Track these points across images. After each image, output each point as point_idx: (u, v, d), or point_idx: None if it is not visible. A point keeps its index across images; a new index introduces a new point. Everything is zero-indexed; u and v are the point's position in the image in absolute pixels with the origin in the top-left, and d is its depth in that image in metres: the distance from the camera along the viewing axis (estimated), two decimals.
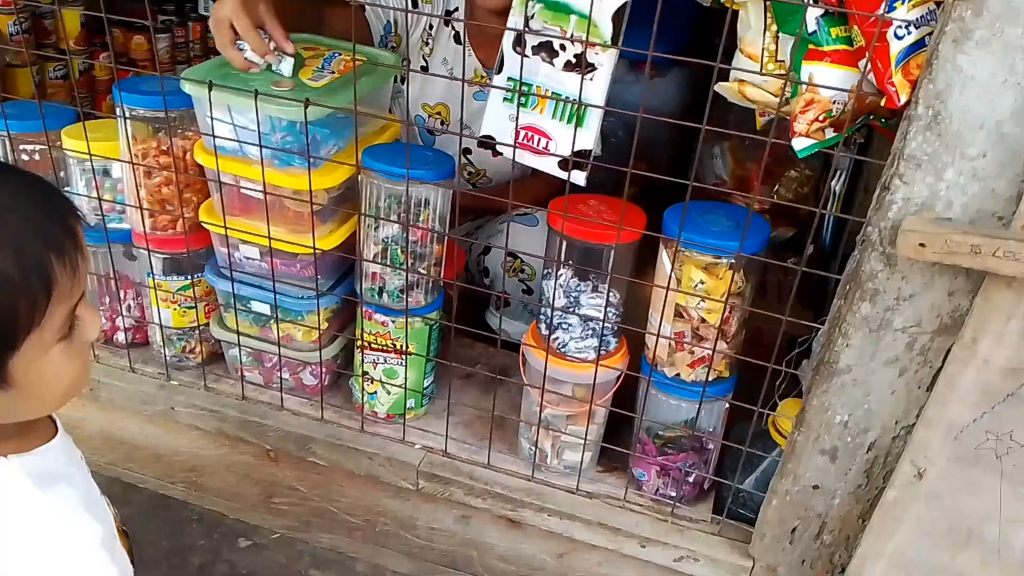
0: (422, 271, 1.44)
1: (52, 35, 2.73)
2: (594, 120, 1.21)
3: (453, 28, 1.88)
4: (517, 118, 1.23)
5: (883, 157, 1.06)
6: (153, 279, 1.58)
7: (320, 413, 1.59)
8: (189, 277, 1.58)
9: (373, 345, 1.50)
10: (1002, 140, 0.97)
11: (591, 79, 1.17)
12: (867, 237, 1.08)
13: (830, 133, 1.11)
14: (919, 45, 1.02)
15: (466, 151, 1.98)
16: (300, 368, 1.63)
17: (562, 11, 1.17)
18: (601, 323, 1.35)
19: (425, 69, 1.90)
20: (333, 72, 1.39)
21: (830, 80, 1.07)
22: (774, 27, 1.13)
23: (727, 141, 2.69)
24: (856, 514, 1.29)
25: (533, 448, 1.50)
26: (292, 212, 1.41)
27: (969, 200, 1.01)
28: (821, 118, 1.08)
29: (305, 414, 1.60)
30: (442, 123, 1.95)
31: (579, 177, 1.23)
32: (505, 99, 1.28)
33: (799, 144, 1.11)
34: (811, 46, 1.08)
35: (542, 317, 1.43)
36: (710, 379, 1.34)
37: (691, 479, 1.45)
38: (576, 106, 1.19)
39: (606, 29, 1.14)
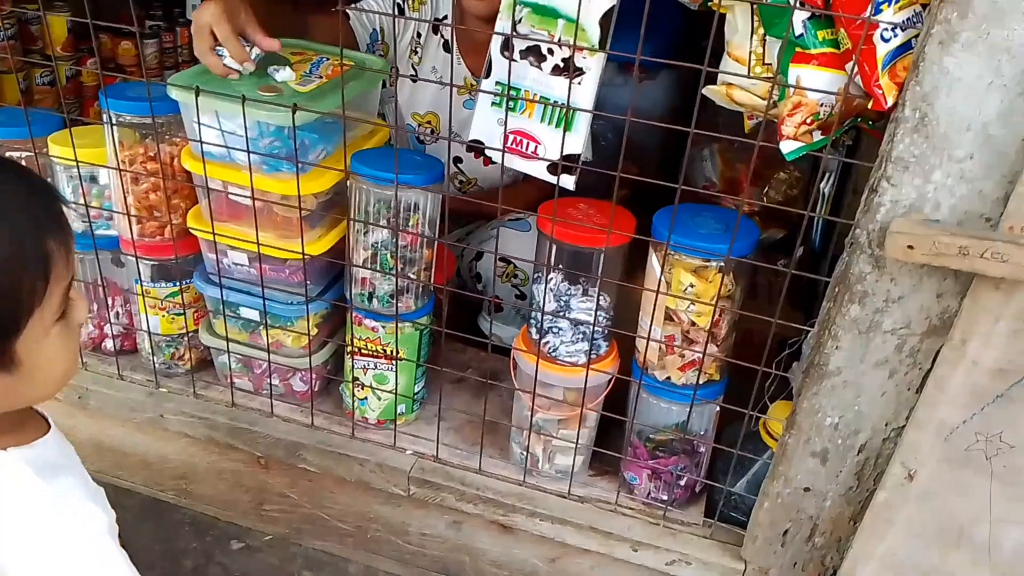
0: (412, 276, 1.44)
1: (38, 41, 2.72)
2: (582, 124, 1.21)
3: (442, 36, 1.88)
4: (506, 122, 1.23)
5: (871, 159, 1.07)
6: (141, 286, 1.57)
7: (310, 419, 1.58)
8: (177, 283, 1.57)
9: (363, 351, 1.49)
10: (989, 142, 0.97)
11: (579, 83, 1.17)
12: (856, 239, 1.09)
13: (818, 136, 1.11)
14: (906, 47, 1.03)
15: (456, 159, 1.98)
16: (290, 374, 1.62)
17: (549, 15, 1.17)
18: (591, 327, 1.35)
19: (415, 79, 1.89)
20: (321, 77, 1.39)
21: (817, 83, 1.08)
22: (761, 30, 1.13)
23: (716, 144, 2.70)
24: (847, 516, 1.30)
25: (524, 453, 1.50)
26: (281, 217, 1.41)
27: (957, 202, 1.02)
28: (809, 121, 1.09)
29: (295, 420, 1.60)
30: (432, 132, 1.94)
31: (568, 181, 1.23)
32: (493, 103, 1.27)
33: (787, 147, 1.11)
34: (798, 49, 1.09)
35: (532, 321, 1.43)
36: (701, 382, 1.34)
37: (682, 482, 1.45)
38: (564, 110, 1.19)
39: (594, 33, 1.14)
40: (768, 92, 1.11)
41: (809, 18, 1.07)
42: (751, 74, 1.15)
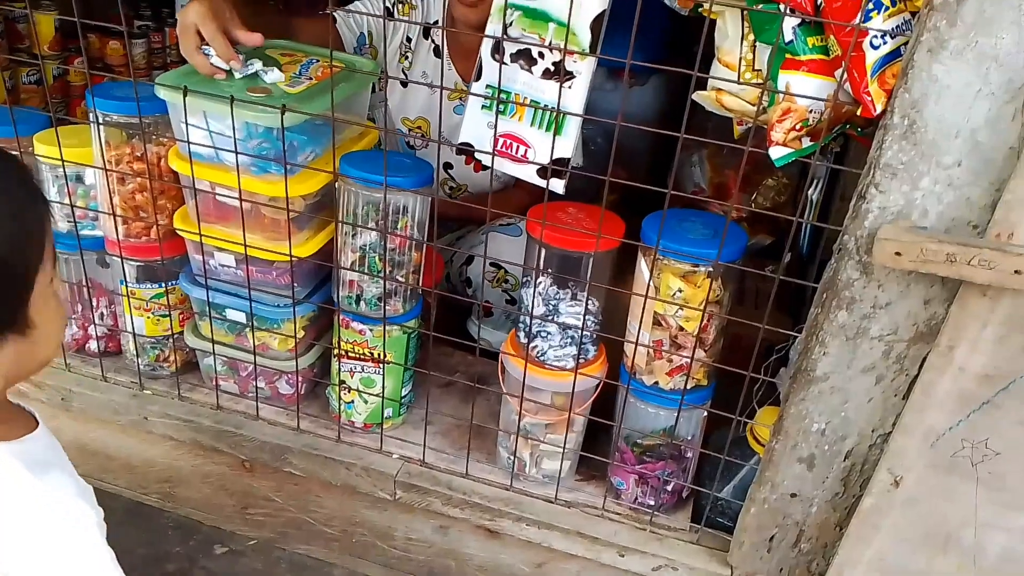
0: (400, 279, 1.43)
1: (25, 39, 2.69)
2: (573, 128, 1.20)
3: (432, 41, 1.88)
4: (496, 125, 1.23)
5: (859, 166, 1.07)
6: (126, 287, 1.56)
7: (296, 423, 1.57)
8: (163, 285, 1.56)
9: (350, 354, 1.49)
10: (977, 149, 0.98)
11: (570, 87, 1.17)
12: (844, 245, 1.09)
13: (807, 142, 1.11)
14: (895, 55, 1.03)
15: (447, 165, 1.98)
16: (276, 377, 1.61)
17: (540, 19, 1.17)
18: (580, 331, 1.35)
19: (405, 84, 1.89)
20: (310, 78, 1.38)
21: (807, 89, 1.08)
22: (751, 36, 1.14)
23: (705, 149, 2.71)
24: (834, 522, 1.30)
25: (512, 457, 1.49)
26: (268, 219, 1.40)
27: (944, 209, 1.02)
28: (798, 127, 1.09)
29: (281, 424, 1.59)
30: (422, 137, 1.94)
31: (558, 185, 1.23)
32: (484, 107, 1.27)
33: (776, 153, 1.11)
34: (788, 55, 1.09)
35: (521, 325, 1.42)
36: (688, 387, 1.34)
37: (670, 487, 1.45)
38: (555, 114, 1.19)
39: (584, 37, 1.14)
40: (758, 98, 1.12)
41: (799, 24, 1.07)
42: (741, 80, 1.15)
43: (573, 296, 1.36)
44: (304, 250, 1.41)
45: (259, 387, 1.60)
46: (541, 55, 1.19)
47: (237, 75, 1.33)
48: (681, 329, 1.31)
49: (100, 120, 1.42)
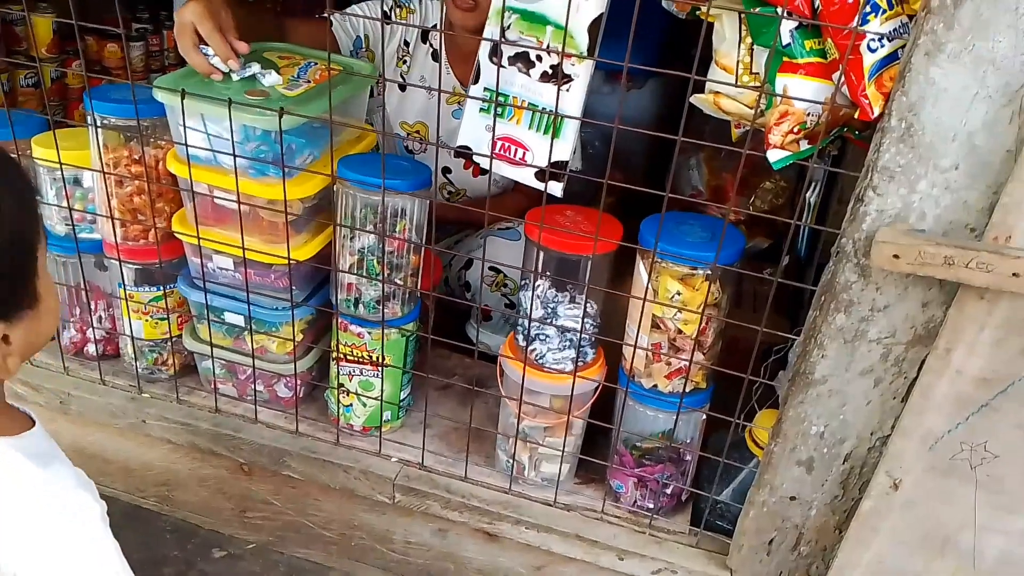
0: (398, 282, 1.43)
1: (23, 42, 2.69)
2: (571, 131, 1.21)
3: (431, 45, 1.88)
4: (494, 128, 1.23)
5: (857, 169, 1.07)
6: (124, 290, 1.56)
7: (295, 426, 1.57)
8: (161, 288, 1.56)
9: (349, 357, 1.49)
10: (974, 152, 0.98)
11: (567, 90, 1.17)
12: (841, 248, 1.09)
13: (804, 145, 1.11)
14: (892, 58, 1.03)
15: (446, 170, 1.98)
16: (274, 380, 1.61)
17: (538, 22, 1.17)
18: (578, 334, 1.35)
19: (403, 87, 1.89)
20: (308, 81, 1.38)
21: (804, 92, 1.08)
22: (749, 39, 1.14)
23: (703, 152, 2.71)
24: (833, 525, 1.30)
25: (510, 460, 1.49)
26: (266, 222, 1.40)
27: (942, 211, 1.02)
28: (796, 130, 1.09)
29: (279, 427, 1.58)
30: (421, 142, 1.94)
31: (556, 188, 1.23)
32: (482, 109, 1.27)
33: (774, 156, 1.11)
34: (785, 58, 1.09)
35: (520, 328, 1.42)
36: (687, 390, 1.34)
37: (668, 490, 1.45)
38: (553, 117, 1.19)
39: (582, 40, 1.14)
40: (755, 101, 1.12)
41: (796, 28, 1.07)
42: (738, 83, 1.15)
43: (571, 299, 1.35)
44: (302, 253, 1.41)
45: (257, 390, 1.59)
46: (539, 58, 1.19)
47: (235, 77, 1.33)
48: (680, 332, 1.31)
49: (98, 123, 1.42)
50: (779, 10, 1.05)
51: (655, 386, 1.36)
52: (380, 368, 1.48)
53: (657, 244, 1.22)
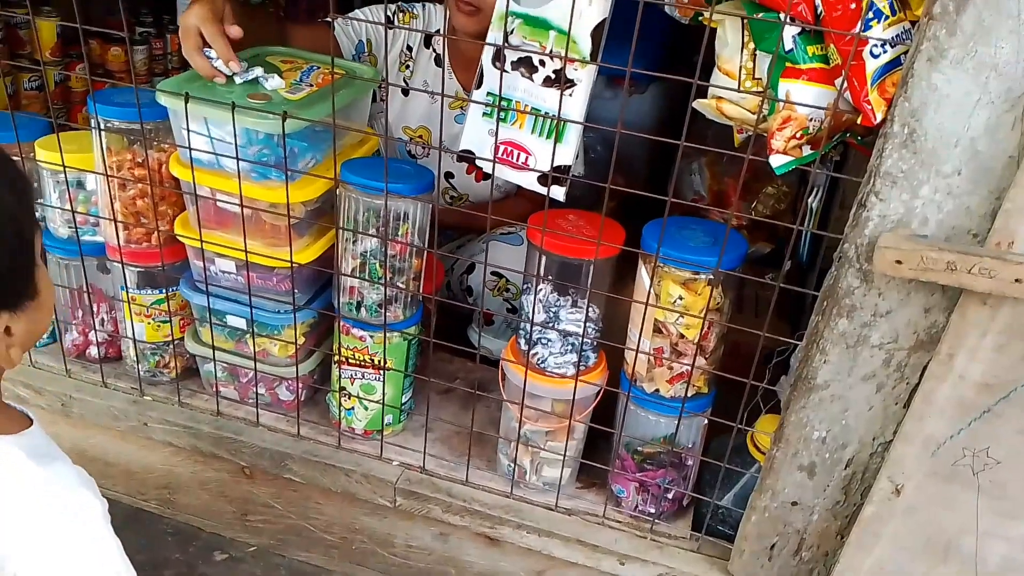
0: (400, 285, 1.43)
1: (27, 45, 2.70)
2: (573, 135, 1.21)
3: (433, 50, 1.89)
4: (497, 133, 1.23)
5: (859, 174, 1.07)
6: (127, 293, 1.56)
7: (296, 429, 1.57)
8: (164, 291, 1.56)
9: (351, 360, 1.49)
10: (976, 157, 0.98)
11: (570, 94, 1.18)
12: (844, 253, 1.09)
13: (807, 150, 1.11)
14: (895, 64, 1.03)
15: (448, 175, 1.98)
16: (276, 383, 1.61)
17: (541, 27, 1.18)
18: (580, 338, 1.35)
19: (406, 92, 1.89)
20: (311, 85, 1.38)
21: (807, 98, 1.08)
22: (751, 45, 1.14)
23: (705, 157, 2.71)
24: (834, 530, 1.29)
25: (512, 464, 1.49)
26: (269, 225, 1.40)
27: (944, 217, 1.02)
28: (798, 135, 1.09)
29: (281, 430, 1.58)
30: (423, 146, 1.94)
31: (558, 192, 1.23)
32: (485, 114, 1.27)
33: (776, 161, 1.11)
34: (788, 64, 1.09)
35: (521, 332, 1.42)
36: (689, 394, 1.34)
37: (670, 495, 1.45)
38: (555, 121, 1.19)
39: (585, 45, 1.14)
40: (758, 106, 1.12)
41: (799, 33, 1.07)
42: (741, 88, 1.15)
43: (574, 303, 1.36)
44: (304, 256, 1.41)
45: (259, 393, 1.59)
46: (542, 63, 1.19)
47: (238, 80, 1.34)
48: (682, 336, 1.31)
49: (101, 126, 1.42)
50: (782, 16, 1.05)
51: (657, 390, 1.36)
52: (382, 372, 1.48)
53: (659, 249, 1.22)
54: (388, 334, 1.44)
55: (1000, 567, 1.18)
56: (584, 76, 1.17)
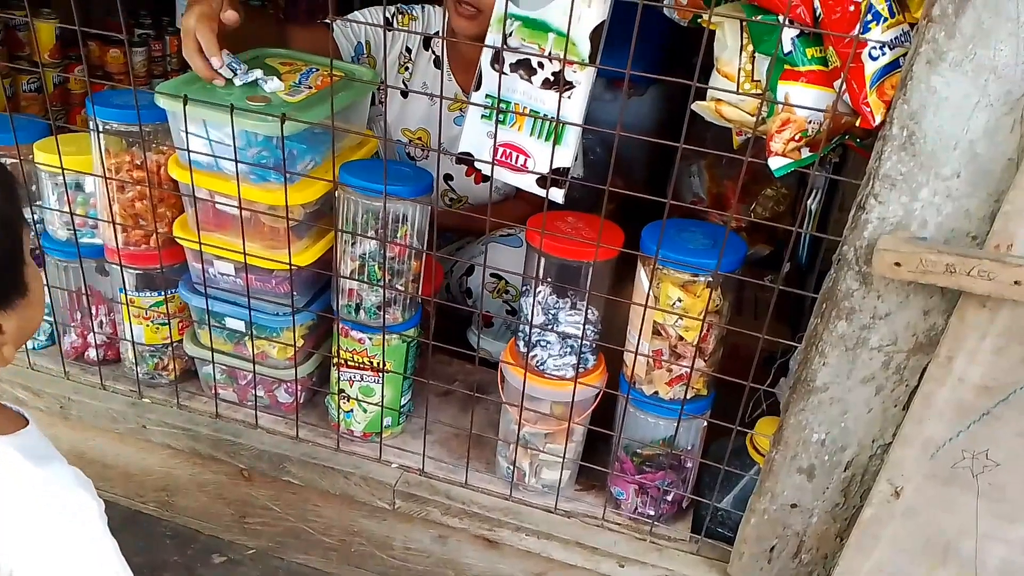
0: (399, 288, 1.43)
1: (26, 47, 2.70)
2: (572, 138, 1.21)
3: (433, 52, 1.89)
4: (495, 135, 1.23)
5: (858, 176, 1.07)
6: (125, 295, 1.56)
7: (295, 431, 1.57)
8: (162, 293, 1.56)
9: (349, 362, 1.49)
10: (975, 160, 0.98)
11: (569, 97, 1.17)
12: (843, 256, 1.09)
13: (806, 152, 1.11)
14: (893, 66, 1.04)
15: (447, 177, 1.98)
16: (275, 385, 1.61)
17: (540, 29, 1.18)
18: (579, 341, 1.35)
19: (405, 94, 1.89)
20: (310, 87, 1.38)
21: (806, 100, 1.08)
22: (750, 47, 1.14)
23: (704, 159, 2.71)
24: (834, 532, 1.29)
25: (511, 467, 1.49)
26: (268, 228, 1.40)
27: (943, 219, 1.02)
28: (797, 137, 1.09)
29: (280, 432, 1.58)
30: (423, 148, 1.94)
31: (557, 194, 1.23)
32: (483, 116, 1.27)
33: (775, 163, 1.11)
34: (787, 66, 1.09)
35: (520, 334, 1.42)
36: (688, 397, 1.34)
37: (669, 497, 1.45)
38: (554, 124, 1.19)
39: (584, 47, 1.14)
40: (757, 108, 1.12)
41: (798, 36, 1.07)
42: (740, 90, 1.15)
43: (573, 305, 1.35)
44: (303, 259, 1.41)
45: (258, 396, 1.59)
46: (541, 65, 1.19)
47: (237, 82, 1.34)
48: (681, 339, 1.30)
49: (100, 128, 1.42)
50: (781, 18, 1.05)
51: (656, 393, 1.36)
52: (381, 374, 1.48)
53: (659, 251, 1.22)
54: (387, 336, 1.44)
55: (999, 570, 1.18)
56: (583, 78, 1.17)
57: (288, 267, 1.39)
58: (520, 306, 1.45)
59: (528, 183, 1.26)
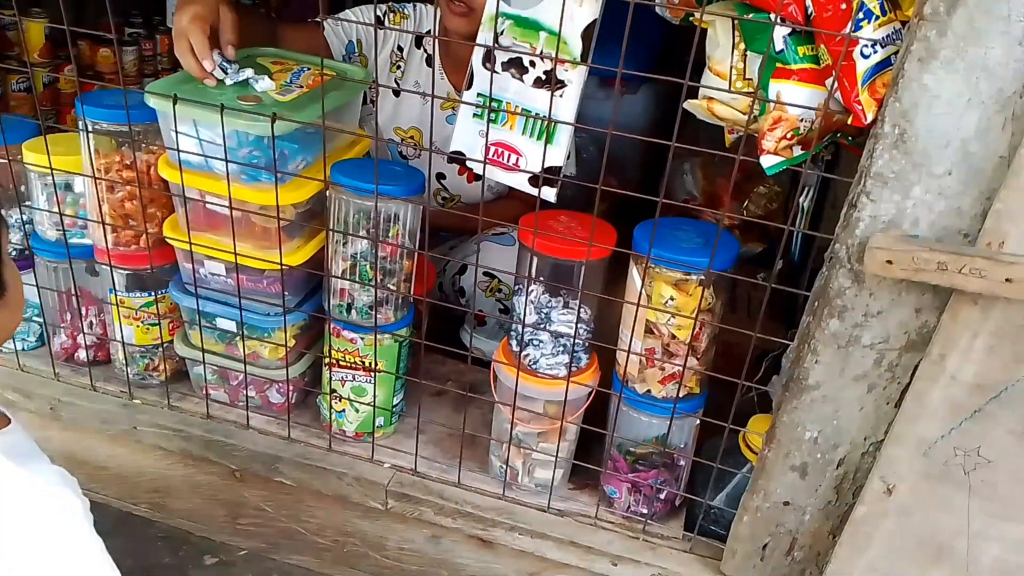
0: (391, 287, 1.43)
1: (15, 47, 2.68)
2: (564, 136, 1.20)
3: (425, 51, 1.88)
4: (487, 134, 1.23)
5: (850, 174, 1.07)
6: (116, 295, 1.55)
7: (287, 432, 1.56)
8: (153, 293, 1.55)
9: (341, 362, 1.48)
10: (967, 158, 0.98)
11: (561, 95, 1.17)
12: (835, 254, 1.09)
13: (798, 150, 1.11)
14: (885, 64, 1.04)
15: (440, 176, 1.97)
16: (267, 386, 1.60)
17: (531, 28, 1.17)
18: (572, 339, 1.35)
19: (397, 93, 1.89)
20: (301, 86, 1.38)
21: (797, 98, 1.08)
22: (742, 45, 1.14)
23: (697, 158, 2.71)
24: (827, 530, 1.30)
25: (504, 466, 1.49)
26: (259, 228, 1.39)
27: (935, 217, 1.02)
28: (789, 136, 1.09)
29: (272, 433, 1.58)
30: (415, 147, 1.94)
31: (549, 193, 1.23)
32: (475, 115, 1.27)
33: (767, 161, 1.11)
34: (779, 64, 1.09)
35: (513, 334, 1.42)
36: (681, 395, 1.34)
37: (662, 496, 1.45)
38: (546, 122, 1.19)
39: (575, 46, 1.14)
40: (749, 107, 1.12)
41: (790, 34, 1.07)
42: (732, 89, 1.15)
43: (565, 304, 1.35)
44: (295, 259, 1.40)
45: (249, 396, 1.59)
46: (532, 64, 1.19)
47: (228, 82, 1.33)
48: (673, 337, 1.30)
49: (89, 128, 1.41)
50: (772, 16, 1.05)
51: (649, 391, 1.36)
52: (373, 374, 1.48)
53: (651, 249, 1.22)
54: (379, 336, 1.43)
55: (992, 568, 1.18)
56: (575, 77, 1.17)
57: (279, 267, 1.38)
58: (513, 305, 1.44)
59: (520, 182, 1.25)
